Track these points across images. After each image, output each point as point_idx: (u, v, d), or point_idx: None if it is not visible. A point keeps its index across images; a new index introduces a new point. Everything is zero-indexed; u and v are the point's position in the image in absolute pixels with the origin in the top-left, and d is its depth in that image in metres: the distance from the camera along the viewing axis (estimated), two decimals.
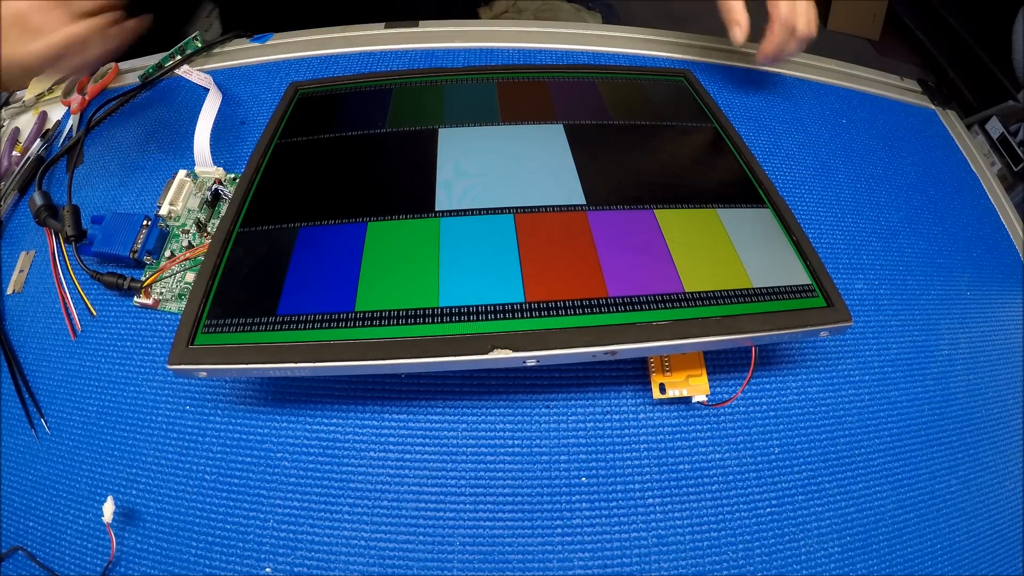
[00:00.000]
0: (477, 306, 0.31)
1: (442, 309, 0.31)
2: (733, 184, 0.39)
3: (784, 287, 0.33)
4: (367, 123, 0.44)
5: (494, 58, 0.55)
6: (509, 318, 0.31)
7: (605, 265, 0.33)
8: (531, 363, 0.30)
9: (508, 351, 0.29)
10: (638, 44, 0.57)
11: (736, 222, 0.36)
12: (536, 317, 0.31)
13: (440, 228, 0.35)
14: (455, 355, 0.29)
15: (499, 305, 0.31)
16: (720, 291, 0.32)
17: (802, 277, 0.34)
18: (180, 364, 0.29)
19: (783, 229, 0.36)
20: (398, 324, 0.31)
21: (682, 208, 0.37)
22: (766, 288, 0.33)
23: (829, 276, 0.33)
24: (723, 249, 0.35)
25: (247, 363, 0.29)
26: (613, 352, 0.30)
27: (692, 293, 0.32)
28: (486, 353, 0.29)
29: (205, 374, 0.30)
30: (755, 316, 0.31)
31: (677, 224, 0.36)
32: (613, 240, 0.35)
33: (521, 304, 0.31)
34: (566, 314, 0.31)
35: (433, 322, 0.31)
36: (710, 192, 0.38)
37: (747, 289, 0.33)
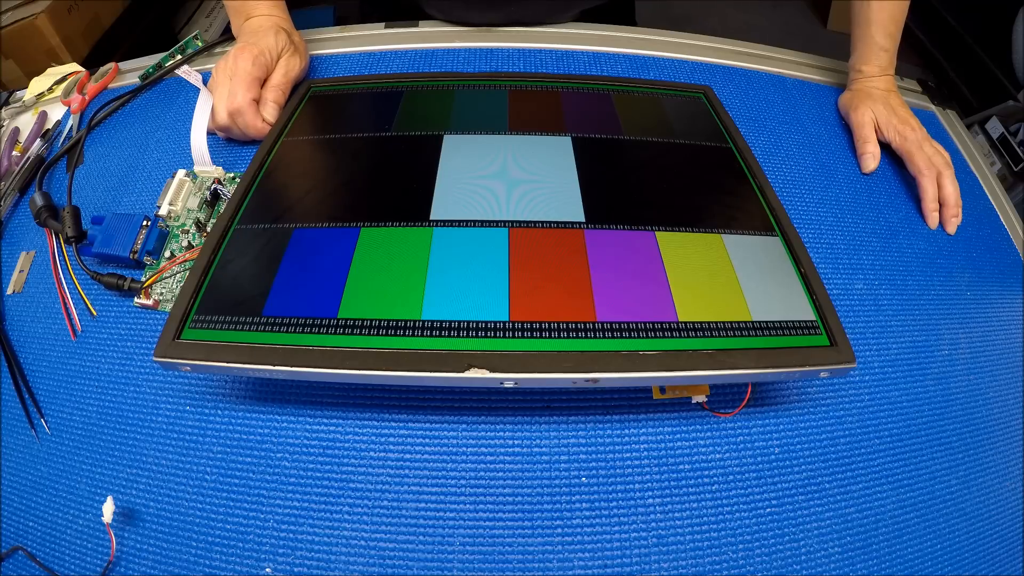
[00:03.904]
0: (459, 322, 0.31)
1: (423, 323, 0.31)
2: (743, 209, 0.38)
3: (786, 322, 0.32)
4: (374, 125, 0.43)
5: (495, 58, 0.55)
6: (491, 336, 0.30)
7: (597, 288, 0.32)
8: (508, 385, 0.29)
9: (485, 371, 0.29)
10: (636, 44, 0.57)
11: (742, 249, 0.35)
12: (519, 338, 0.30)
13: (432, 238, 0.35)
14: (431, 371, 0.29)
15: (482, 322, 0.31)
16: (716, 323, 0.31)
17: (807, 312, 0.32)
18: (165, 357, 0.30)
19: (791, 260, 0.35)
20: (378, 335, 0.30)
21: (686, 231, 0.36)
22: (766, 322, 0.31)
23: (835, 313, 0.32)
24: (724, 277, 0.33)
25: (227, 362, 0.30)
26: (595, 380, 0.29)
27: (685, 323, 0.31)
28: (462, 371, 0.29)
29: (189, 369, 0.30)
30: (750, 352, 0.30)
31: (678, 248, 0.35)
32: (608, 261, 0.34)
33: (504, 323, 0.31)
34: (550, 336, 0.30)
35: (413, 335, 0.30)
36: (717, 216, 0.37)
37: (746, 322, 0.31)
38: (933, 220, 0.47)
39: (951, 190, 0.46)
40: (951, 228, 0.47)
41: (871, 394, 0.38)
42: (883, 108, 0.50)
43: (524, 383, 0.29)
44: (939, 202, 0.47)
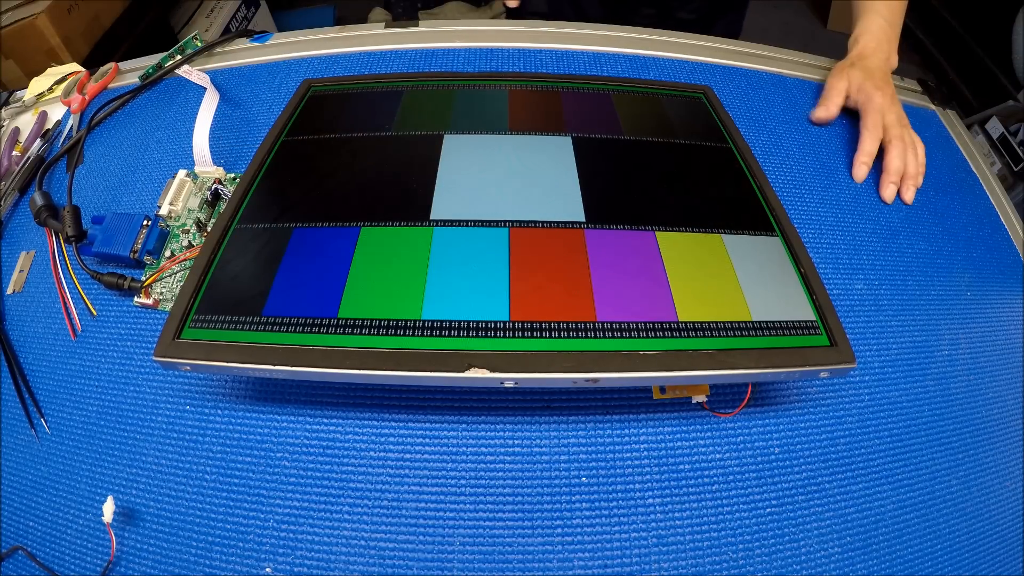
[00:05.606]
0: (459, 321, 0.31)
1: (424, 322, 0.31)
2: (743, 209, 0.38)
3: (786, 322, 0.32)
4: (374, 125, 0.43)
5: (495, 58, 0.55)
6: (491, 336, 0.30)
7: (597, 287, 0.32)
8: (508, 385, 0.29)
9: (485, 371, 0.29)
10: (636, 44, 0.57)
11: (742, 249, 0.35)
12: (519, 337, 0.30)
13: (432, 238, 0.35)
14: (431, 371, 0.29)
15: (482, 322, 0.31)
16: (716, 323, 0.31)
17: (806, 312, 0.32)
18: (165, 357, 0.30)
19: (791, 260, 0.35)
20: (378, 334, 0.30)
21: (686, 231, 0.36)
22: (766, 322, 0.31)
23: (835, 313, 0.32)
24: (724, 277, 0.34)
25: (227, 362, 0.30)
26: (595, 380, 0.29)
27: (685, 323, 0.31)
28: (462, 371, 0.29)
29: (189, 368, 0.30)
30: (751, 352, 0.30)
31: (678, 248, 0.35)
32: (609, 261, 0.34)
33: (505, 323, 0.31)
34: (550, 336, 0.30)
35: (413, 335, 0.30)
36: (717, 216, 0.37)
37: (746, 322, 0.31)
38: (859, 173, 0.48)
39: (895, 162, 0.46)
40: (908, 196, 0.47)
41: (871, 394, 0.38)
42: (860, 74, 0.49)
43: (524, 383, 0.29)
44: (897, 174, 0.47)
